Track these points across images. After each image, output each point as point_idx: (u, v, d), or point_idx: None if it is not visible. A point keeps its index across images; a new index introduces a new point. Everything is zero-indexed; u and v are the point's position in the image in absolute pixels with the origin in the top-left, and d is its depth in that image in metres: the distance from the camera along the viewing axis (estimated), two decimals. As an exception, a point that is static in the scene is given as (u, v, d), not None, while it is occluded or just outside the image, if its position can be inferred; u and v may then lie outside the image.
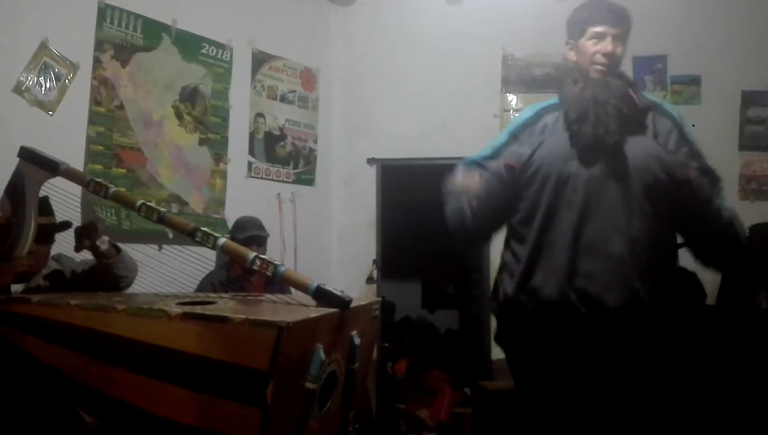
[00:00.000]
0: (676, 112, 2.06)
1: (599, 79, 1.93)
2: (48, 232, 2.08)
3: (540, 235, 1.82)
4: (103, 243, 2.19)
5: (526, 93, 3.96)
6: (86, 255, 2.29)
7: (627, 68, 3.79)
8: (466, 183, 1.99)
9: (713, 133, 3.75)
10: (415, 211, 4.66)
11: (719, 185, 2.03)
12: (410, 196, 4.49)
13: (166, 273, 2.34)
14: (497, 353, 3.73)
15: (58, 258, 2.34)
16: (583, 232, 1.77)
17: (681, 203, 1.79)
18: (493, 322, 2.05)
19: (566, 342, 1.76)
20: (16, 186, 1.98)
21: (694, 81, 3.82)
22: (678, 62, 3.84)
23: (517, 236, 1.88)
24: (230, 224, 3.38)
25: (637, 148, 1.82)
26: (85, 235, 2.16)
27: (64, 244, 2.26)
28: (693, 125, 2.10)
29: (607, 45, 1.96)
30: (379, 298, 2.48)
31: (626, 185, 1.78)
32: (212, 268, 3.18)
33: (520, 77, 3.98)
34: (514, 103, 3.99)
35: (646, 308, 1.72)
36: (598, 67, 2.00)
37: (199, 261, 2.51)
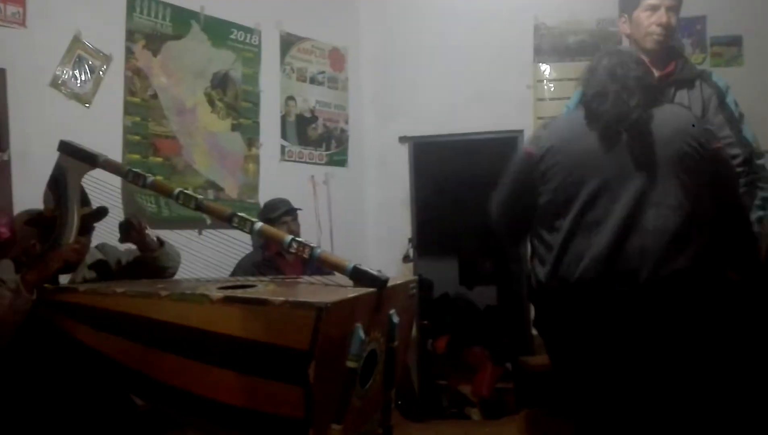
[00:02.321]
0: (722, 81, 2.14)
1: (609, 48, 1.92)
2: (87, 221, 2.13)
3: (569, 218, 1.73)
4: (147, 236, 2.24)
5: (560, 62, 3.87)
6: (130, 244, 2.34)
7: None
8: None
9: (756, 94, 3.61)
10: (449, 187, 4.64)
11: (754, 162, 2.05)
12: (444, 173, 4.46)
13: (206, 256, 2.38)
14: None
15: (102, 247, 2.40)
16: (612, 210, 1.68)
17: (712, 175, 1.72)
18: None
19: (603, 324, 1.70)
20: (57, 179, 2.03)
21: (735, 41, 3.68)
22: (718, 23, 3.70)
23: (545, 221, 1.80)
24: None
25: (665, 118, 1.74)
26: (129, 230, 2.21)
27: (107, 233, 2.32)
28: (736, 105, 2.13)
29: (661, 16, 2.03)
30: (416, 277, 2.48)
31: (656, 157, 1.69)
32: (249, 250, 3.22)
33: (553, 46, 3.89)
34: (547, 73, 3.90)
35: (686, 281, 1.65)
36: (654, 37, 2.13)
37: (237, 244, 2.55)
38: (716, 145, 1.75)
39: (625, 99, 1.72)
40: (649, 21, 2.05)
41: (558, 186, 1.76)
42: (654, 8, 2.04)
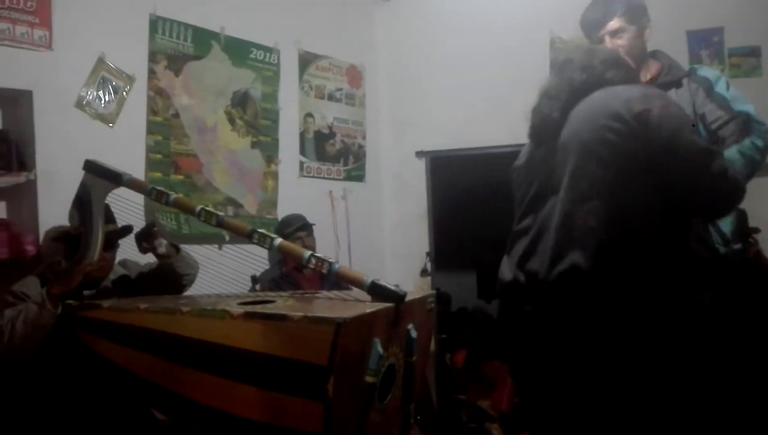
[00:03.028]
0: (710, 73, 2.19)
1: (583, 49, 1.86)
2: (111, 238, 2.18)
3: (513, 230, 1.77)
4: (161, 245, 2.28)
5: (576, 76, 3.86)
6: (151, 258, 2.39)
7: (681, 43, 3.68)
8: None
9: (776, 105, 3.58)
10: (466, 200, 4.64)
11: (747, 127, 2.05)
12: (461, 187, 4.47)
13: (226, 272, 2.41)
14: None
15: (124, 263, 2.45)
16: (536, 218, 1.68)
17: (645, 142, 1.52)
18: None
19: (521, 325, 1.68)
20: (82, 198, 2.08)
21: (754, 52, 3.64)
22: (735, 34, 3.67)
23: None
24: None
25: (579, 111, 1.64)
26: (144, 238, 2.26)
27: (130, 250, 2.37)
28: (728, 88, 2.12)
29: (615, 41, 2.10)
30: (434, 291, 2.49)
31: (566, 155, 1.61)
32: (267, 265, 3.25)
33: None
34: (563, 86, 3.90)
35: (585, 277, 1.52)
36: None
37: (257, 259, 2.58)
38: (640, 108, 1.54)
39: (546, 108, 1.72)
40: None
41: (516, 202, 1.82)
42: (600, 40, 2.12)
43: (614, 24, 2.11)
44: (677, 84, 2.19)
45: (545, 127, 1.70)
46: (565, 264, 1.53)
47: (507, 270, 1.73)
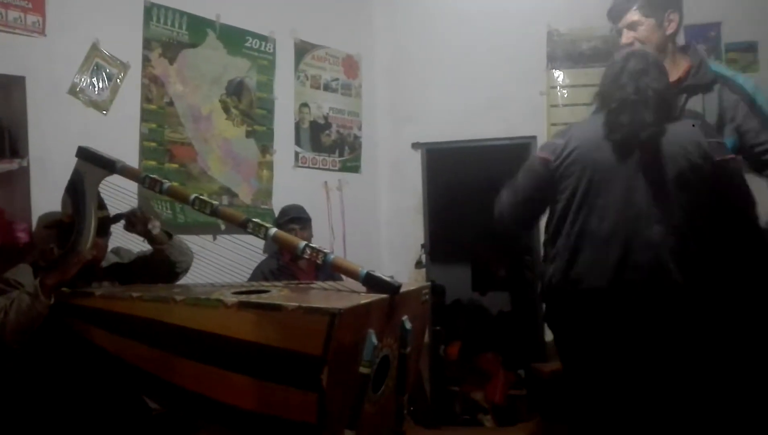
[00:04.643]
0: (749, 83, 2.07)
1: (636, 50, 1.94)
2: (104, 225, 2.16)
3: (579, 226, 1.84)
4: (155, 228, 2.26)
5: (573, 68, 3.86)
6: (144, 245, 2.38)
7: (678, 38, 3.67)
8: None
9: (773, 101, 3.58)
10: (462, 193, 4.63)
11: None
12: (457, 179, 4.46)
13: (220, 262, 2.40)
14: (550, 335, 3.69)
15: (117, 251, 2.43)
16: (621, 224, 1.78)
17: (717, 186, 1.77)
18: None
19: (608, 328, 1.81)
20: (75, 185, 2.06)
21: (751, 47, 3.65)
22: (732, 29, 3.67)
23: (558, 226, 1.90)
24: (277, 214, 3.44)
25: (674, 134, 1.80)
26: (134, 219, 2.24)
27: (122, 239, 2.35)
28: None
29: (630, 33, 2.08)
30: (429, 283, 2.48)
31: (659, 174, 1.77)
32: (262, 256, 3.24)
33: (566, 52, 3.89)
34: (560, 79, 3.90)
35: (681, 291, 1.74)
36: None
37: (252, 249, 2.57)
38: (722, 157, 1.78)
39: (642, 114, 1.78)
40: (621, 44, 2.12)
41: (572, 193, 1.85)
42: (619, 32, 2.12)
43: (630, 16, 2.09)
44: (706, 89, 2.07)
45: (642, 137, 1.78)
46: (672, 279, 1.74)
47: (597, 275, 1.80)
